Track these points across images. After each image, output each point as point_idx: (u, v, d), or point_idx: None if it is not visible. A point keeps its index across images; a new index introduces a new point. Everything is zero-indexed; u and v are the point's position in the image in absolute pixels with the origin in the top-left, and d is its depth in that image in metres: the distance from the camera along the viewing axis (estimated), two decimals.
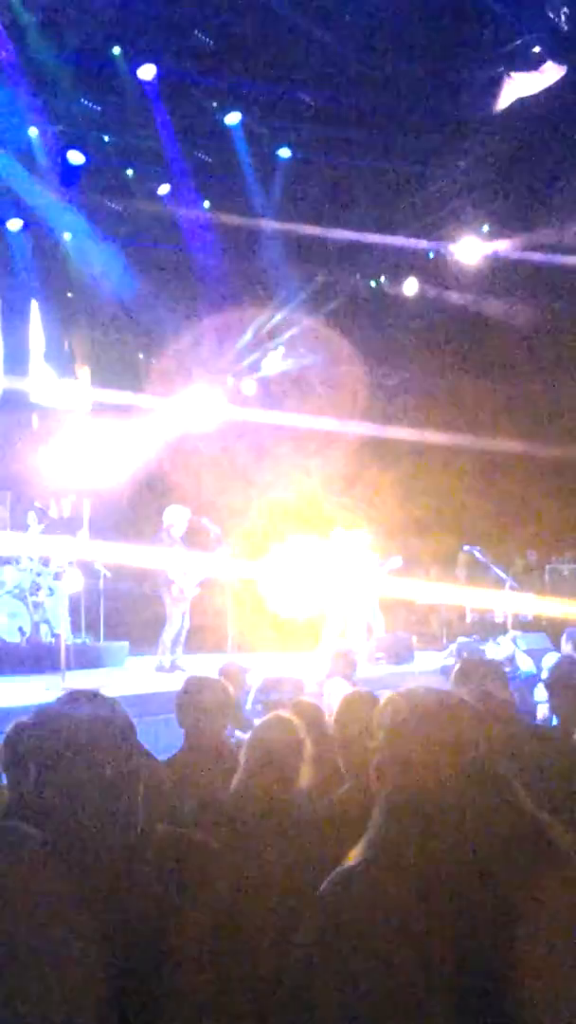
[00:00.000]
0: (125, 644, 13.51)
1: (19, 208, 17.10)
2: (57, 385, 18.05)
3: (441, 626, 15.96)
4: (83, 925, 2.35)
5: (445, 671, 10.51)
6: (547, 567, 18.39)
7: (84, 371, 18.41)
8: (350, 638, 12.80)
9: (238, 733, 6.18)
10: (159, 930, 2.47)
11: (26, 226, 17.45)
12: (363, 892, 2.32)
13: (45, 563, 12.98)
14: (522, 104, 14.51)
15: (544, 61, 14.12)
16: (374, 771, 2.45)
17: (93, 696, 2.70)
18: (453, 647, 13.17)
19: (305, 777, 3.76)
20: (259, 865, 3.33)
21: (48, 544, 12.97)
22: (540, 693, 7.70)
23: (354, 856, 2.41)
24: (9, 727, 3.94)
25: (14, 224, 17.49)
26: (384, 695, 2.58)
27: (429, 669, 12.44)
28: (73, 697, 2.68)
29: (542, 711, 7.26)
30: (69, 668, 10.89)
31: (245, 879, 3.22)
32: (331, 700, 5.87)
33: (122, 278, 17.48)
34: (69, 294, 18.10)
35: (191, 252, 17.84)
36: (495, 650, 12.32)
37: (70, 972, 2.30)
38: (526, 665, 11.36)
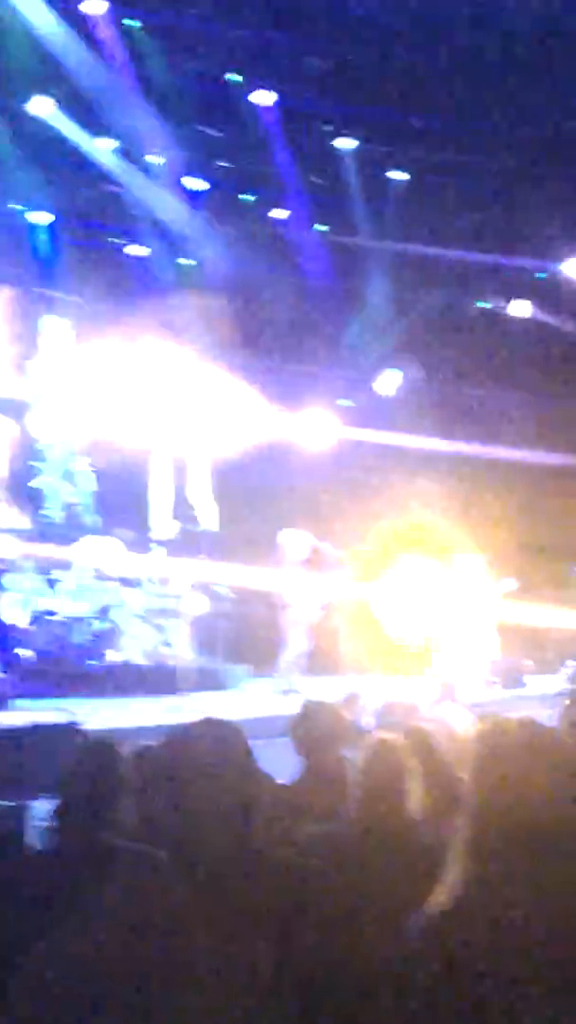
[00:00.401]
0: (246, 667, 13.68)
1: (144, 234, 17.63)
2: None
3: (555, 650, 15.82)
4: (211, 945, 2.48)
5: (563, 695, 10.46)
6: None
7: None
8: (463, 662, 12.80)
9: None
10: (277, 954, 2.58)
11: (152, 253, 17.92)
12: (438, 940, 2.31)
13: (166, 585, 13.27)
14: None
15: None
16: (461, 808, 2.43)
17: (218, 723, 2.84)
18: (566, 670, 13.07)
19: (415, 803, 3.74)
20: (370, 894, 3.38)
21: (170, 567, 13.25)
22: None
23: (434, 899, 2.38)
24: (136, 750, 4.13)
25: (138, 250, 17.96)
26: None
27: (543, 693, 12.36)
28: (199, 723, 2.82)
29: None
30: (190, 690, 11.12)
31: (357, 907, 3.29)
32: (452, 724, 5.90)
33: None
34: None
35: (305, 275, 18.08)
36: None
37: (205, 987, 2.42)
38: None
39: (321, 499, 16.30)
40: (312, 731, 4.81)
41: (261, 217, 17.63)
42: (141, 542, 14.19)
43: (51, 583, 12.95)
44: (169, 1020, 2.37)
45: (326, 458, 17.99)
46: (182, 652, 12.49)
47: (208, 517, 15.77)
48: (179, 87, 15.43)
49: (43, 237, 17.16)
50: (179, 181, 16.56)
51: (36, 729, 7.29)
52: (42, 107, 15.17)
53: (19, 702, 10.05)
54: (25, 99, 15.16)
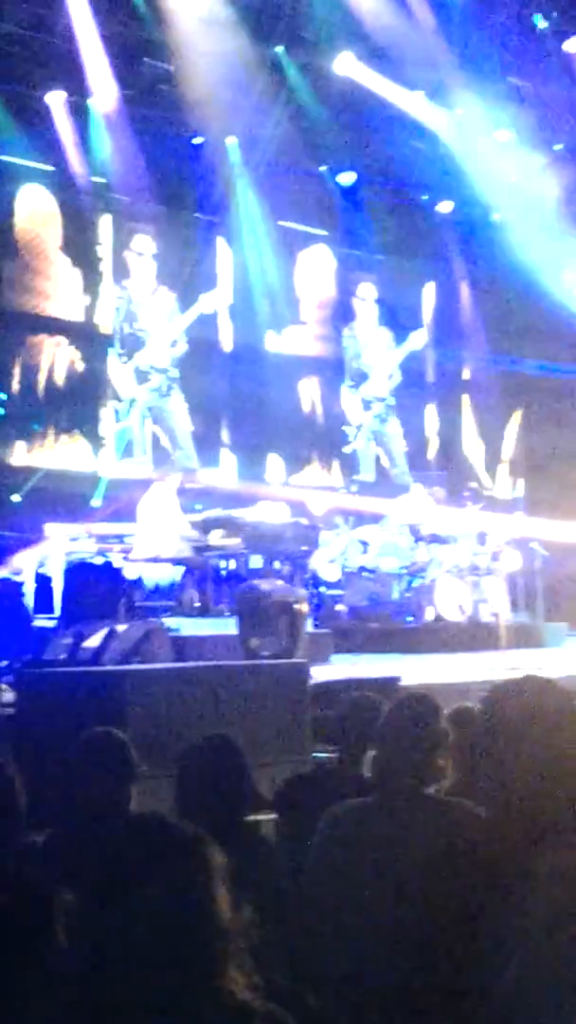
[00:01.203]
0: (564, 624, 13.40)
1: (449, 190, 17.43)
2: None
3: None
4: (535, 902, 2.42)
5: None
6: None
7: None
8: None
9: None
10: None
11: (457, 208, 17.73)
12: None
13: (482, 542, 13.17)
14: None
15: None
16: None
17: (541, 680, 2.76)
18: None
19: None
20: None
21: (485, 523, 13.14)
22: None
23: None
24: (456, 707, 4.10)
25: (445, 206, 17.81)
26: None
27: None
28: (520, 680, 2.75)
29: None
30: (508, 647, 11.00)
31: None
32: None
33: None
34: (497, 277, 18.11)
35: None
36: None
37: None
38: None
39: None
40: None
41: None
42: (455, 500, 14.13)
43: (364, 543, 13.10)
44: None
45: None
46: (499, 609, 12.36)
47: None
48: (485, 36, 15.11)
49: (350, 197, 17.25)
50: (488, 134, 16.23)
51: (356, 684, 7.40)
52: (347, 64, 15.22)
53: (335, 657, 10.23)
54: (330, 58, 15.26)
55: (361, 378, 17.33)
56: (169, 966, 1.95)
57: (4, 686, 7.66)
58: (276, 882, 3.28)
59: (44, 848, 3.76)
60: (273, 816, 3.82)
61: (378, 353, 17.58)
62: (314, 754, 6.04)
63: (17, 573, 10.65)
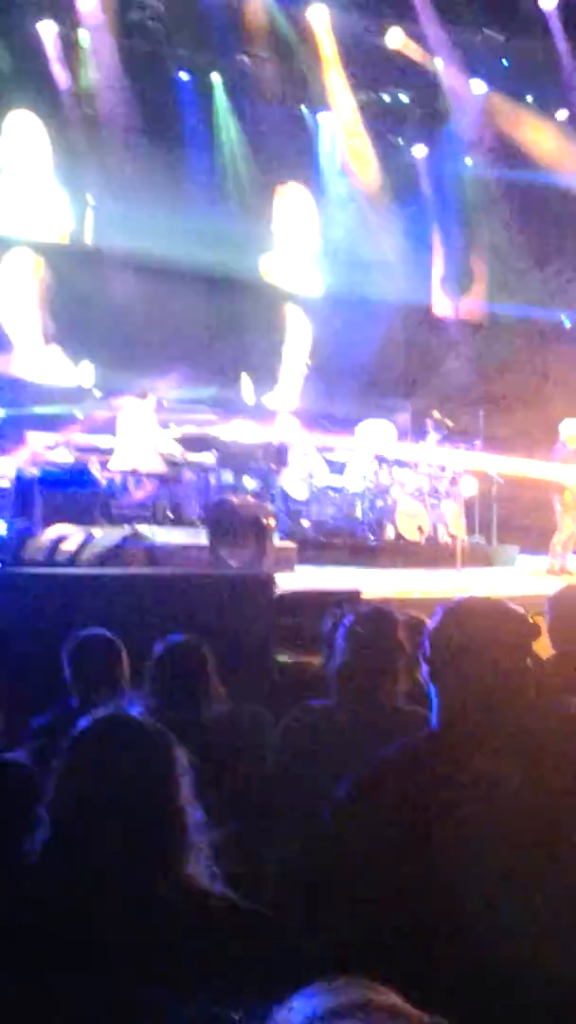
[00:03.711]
0: (515, 547, 13.51)
1: (423, 135, 17.16)
2: (453, 303, 18.05)
3: None
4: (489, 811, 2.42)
5: None
6: None
7: (480, 288, 18.20)
8: None
9: None
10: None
11: (430, 153, 17.48)
12: None
13: (442, 468, 13.19)
14: None
15: None
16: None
17: (492, 601, 2.76)
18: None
19: None
20: None
21: (445, 453, 13.13)
22: None
23: None
24: (411, 621, 4.09)
25: (419, 151, 17.56)
26: None
27: None
28: (472, 600, 2.74)
29: None
30: (463, 566, 11.07)
31: None
32: None
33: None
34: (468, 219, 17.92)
35: None
36: None
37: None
38: None
39: None
40: (568, 615, 4.54)
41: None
42: (418, 428, 14.10)
43: (330, 463, 13.08)
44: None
45: None
46: (456, 531, 12.42)
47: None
48: None
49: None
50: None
51: (319, 595, 7.42)
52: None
53: (300, 568, 10.24)
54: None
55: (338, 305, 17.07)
56: (133, 854, 1.95)
57: None
58: (238, 779, 3.30)
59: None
60: (237, 714, 3.82)
61: None
62: (277, 658, 6.06)
63: None
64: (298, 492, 12.55)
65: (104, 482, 10.61)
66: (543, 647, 4.11)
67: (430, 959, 2.20)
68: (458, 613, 2.69)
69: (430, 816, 2.45)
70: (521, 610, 2.64)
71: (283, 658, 6.01)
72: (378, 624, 3.57)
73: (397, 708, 3.44)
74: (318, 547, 11.75)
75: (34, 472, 10.27)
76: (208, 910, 1.93)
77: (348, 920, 2.30)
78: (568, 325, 17.84)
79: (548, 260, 17.37)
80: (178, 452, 11.45)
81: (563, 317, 17.81)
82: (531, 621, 2.75)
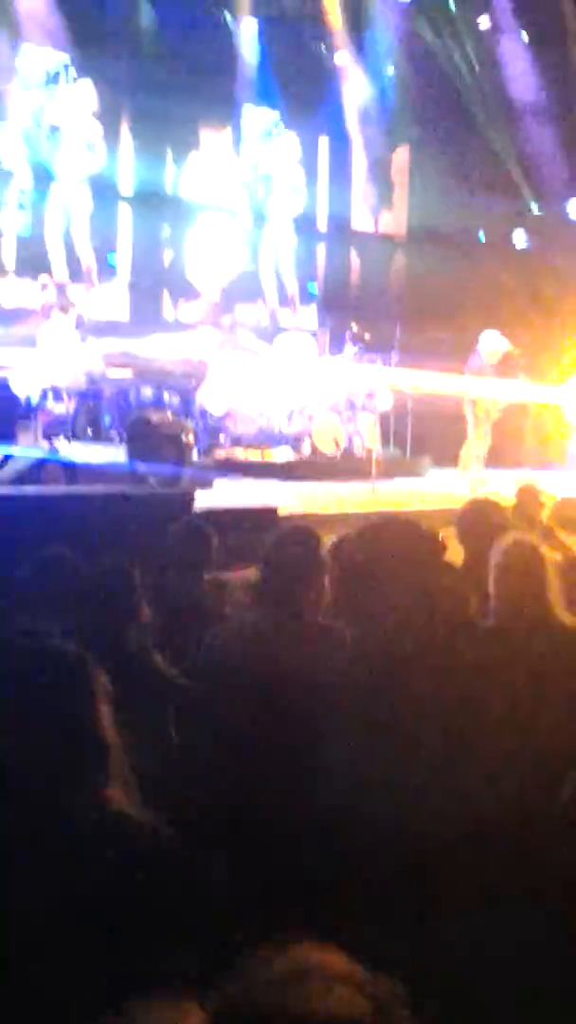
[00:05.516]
0: (428, 458, 13.60)
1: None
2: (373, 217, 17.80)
3: None
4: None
5: None
6: None
7: (400, 202, 17.93)
8: None
9: None
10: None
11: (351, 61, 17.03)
12: None
13: (357, 382, 13.15)
14: None
15: None
16: None
17: (406, 521, 2.76)
18: None
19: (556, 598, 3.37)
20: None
21: (361, 367, 13.09)
22: None
23: None
24: (333, 538, 4.08)
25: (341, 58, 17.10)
26: None
27: None
28: (388, 520, 2.75)
29: None
30: (378, 478, 11.11)
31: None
32: None
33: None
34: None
35: (509, 86, 16.91)
36: None
37: None
38: None
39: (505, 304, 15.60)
40: (474, 524, 4.61)
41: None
42: (336, 340, 14.00)
43: (248, 378, 12.94)
44: None
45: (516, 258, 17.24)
46: (371, 444, 12.44)
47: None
48: None
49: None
50: None
51: (238, 511, 7.38)
52: None
53: (219, 482, 10.17)
54: None
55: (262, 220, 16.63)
56: (52, 776, 1.92)
57: None
58: (159, 706, 3.27)
59: None
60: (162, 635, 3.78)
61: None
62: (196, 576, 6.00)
63: None
64: (217, 408, 12.44)
65: (23, 398, 10.37)
66: (456, 554, 4.21)
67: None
68: (380, 531, 2.69)
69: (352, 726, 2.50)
70: (427, 530, 2.67)
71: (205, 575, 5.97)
72: (301, 542, 3.54)
73: (318, 625, 3.43)
74: (236, 463, 11.69)
75: None
76: (127, 831, 1.92)
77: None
78: (483, 240, 17.78)
79: (467, 175, 17.20)
80: (98, 368, 11.24)
81: (480, 232, 17.74)
82: (439, 539, 2.78)
